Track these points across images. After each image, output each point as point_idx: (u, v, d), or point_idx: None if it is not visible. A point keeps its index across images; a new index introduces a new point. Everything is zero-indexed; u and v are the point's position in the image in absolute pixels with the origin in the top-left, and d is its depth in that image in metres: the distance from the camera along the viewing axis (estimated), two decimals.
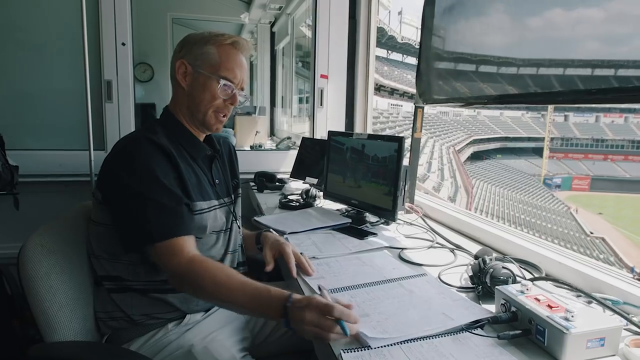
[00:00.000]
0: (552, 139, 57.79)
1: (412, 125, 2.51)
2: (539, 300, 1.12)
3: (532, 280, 1.39)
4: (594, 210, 42.77)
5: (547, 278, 1.43)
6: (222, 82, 1.57)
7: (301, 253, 1.60)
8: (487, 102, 2.00)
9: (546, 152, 54.71)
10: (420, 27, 2.48)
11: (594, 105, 56.35)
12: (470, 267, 1.48)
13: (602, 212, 42.52)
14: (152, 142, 1.44)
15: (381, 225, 2.15)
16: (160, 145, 1.45)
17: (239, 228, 1.77)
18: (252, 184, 3.10)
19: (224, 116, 1.63)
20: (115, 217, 1.45)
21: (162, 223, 1.36)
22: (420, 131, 2.48)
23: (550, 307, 1.08)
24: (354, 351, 1.06)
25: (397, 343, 1.08)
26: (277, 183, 3.03)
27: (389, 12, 51.47)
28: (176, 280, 1.37)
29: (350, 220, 2.14)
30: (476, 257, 1.57)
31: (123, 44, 3.04)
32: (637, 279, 1.36)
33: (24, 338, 2.27)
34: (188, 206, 1.45)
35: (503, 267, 1.35)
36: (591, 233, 33.35)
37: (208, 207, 1.56)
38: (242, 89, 1.64)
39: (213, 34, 1.60)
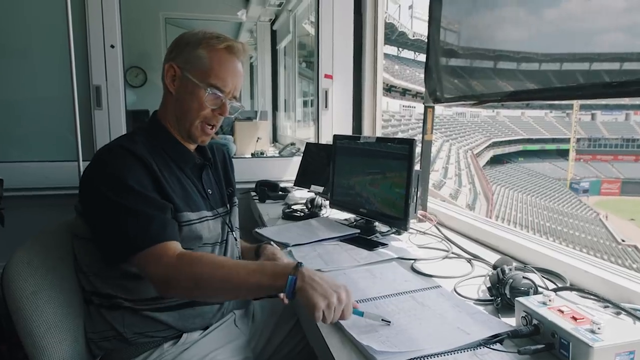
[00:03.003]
0: (578, 139, 57.51)
1: (421, 126, 2.52)
2: (562, 311, 1.11)
3: (555, 290, 1.38)
4: (626, 216, 42.46)
5: (572, 288, 1.43)
6: (210, 90, 1.56)
7: None
8: (502, 99, 2.00)
9: (572, 154, 54.48)
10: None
11: (623, 102, 56.18)
12: (488, 278, 1.47)
13: (635, 218, 42.20)
14: (128, 151, 1.44)
15: (392, 235, 2.15)
16: (136, 155, 1.44)
17: (236, 240, 1.77)
18: (253, 193, 3.10)
19: (211, 128, 1.62)
20: (94, 230, 1.46)
21: (142, 231, 1.35)
22: (432, 133, 2.48)
23: (574, 319, 1.07)
24: None
25: None
26: (280, 192, 3.03)
27: (399, 6, 51.69)
28: (170, 282, 1.33)
29: (358, 231, 2.14)
30: (495, 267, 1.56)
31: (112, 46, 3.06)
32: None
33: None
34: (171, 211, 1.45)
35: (524, 277, 1.35)
36: (622, 241, 33.08)
37: (198, 219, 1.54)
38: (234, 98, 1.63)
39: (207, 35, 1.58)
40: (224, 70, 1.57)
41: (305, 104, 6.01)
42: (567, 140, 56.62)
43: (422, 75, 2.50)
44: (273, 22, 6.37)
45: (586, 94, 1.58)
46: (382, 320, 1.25)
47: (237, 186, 1.90)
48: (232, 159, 1.94)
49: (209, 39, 1.57)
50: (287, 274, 1.24)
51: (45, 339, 1.40)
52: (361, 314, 1.25)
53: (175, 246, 1.38)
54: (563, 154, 57.69)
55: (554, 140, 60.13)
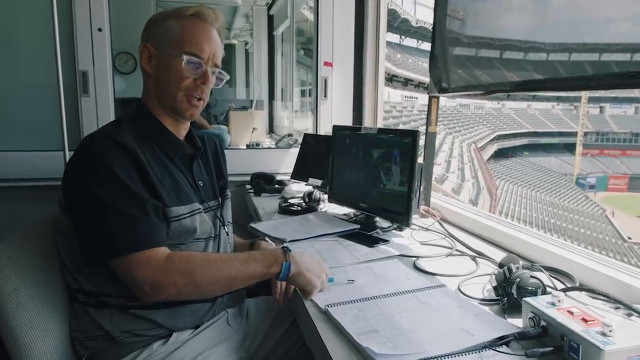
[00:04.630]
0: (585, 133, 57.61)
1: (424, 118, 2.50)
2: (572, 313, 1.10)
3: (564, 290, 1.38)
4: (633, 213, 42.63)
5: (581, 288, 1.42)
6: (186, 57, 1.52)
7: None
8: (510, 90, 1.99)
9: (579, 149, 54.59)
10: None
11: (633, 95, 56.20)
12: (494, 276, 1.47)
13: None
14: (113, 140, 1.41)
15: (393, 230, 2.15)
16: (122, 145, 1.41)
17: (228, 235, 1.75)
18: (248, 186, 3.08)
19: (198, 99, 1.59)
20: (76, 225, 1.43)
21: (129, 234, 1.33)
22: (436, 124, 2.47)
23: (585, 320, 1.06)
24: None
25: None
26: (276, 185, 3.02)
27: None
28: (160, 284, 1.33)
29: (358, 226, 2.14)
30: (501, 265, 1.56)
31: (99, 30, 3.02)
32: None
33: None
34: (158, 210, 1.42)
35: (531, 277, 1.34)
36: (629, 238, 33.21)
37: (189, 212, 1.52)
38: (215, 66, 1.60)
39: (175, 8, 1.58)
40: (197, 36, 1.55)
41: (302, 93, 5.99)
42: (574, 134, 56.65)
43: (426, 65, 2.49)
44: (270, 7, 6.33)
45: (600, 85, 1.56)
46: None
47: (232, 179, 1.88)
48: (225, 150, 1.92)
49: (177, 10, 1.57)
50: (279, 260, 1.42)
51: (27, 338, 1.39)
52: (331, 279, 1.53)
53: (163, 251, 1.38)
54: (570, 148, 57.78)
55: (560, 134, 60.19)
